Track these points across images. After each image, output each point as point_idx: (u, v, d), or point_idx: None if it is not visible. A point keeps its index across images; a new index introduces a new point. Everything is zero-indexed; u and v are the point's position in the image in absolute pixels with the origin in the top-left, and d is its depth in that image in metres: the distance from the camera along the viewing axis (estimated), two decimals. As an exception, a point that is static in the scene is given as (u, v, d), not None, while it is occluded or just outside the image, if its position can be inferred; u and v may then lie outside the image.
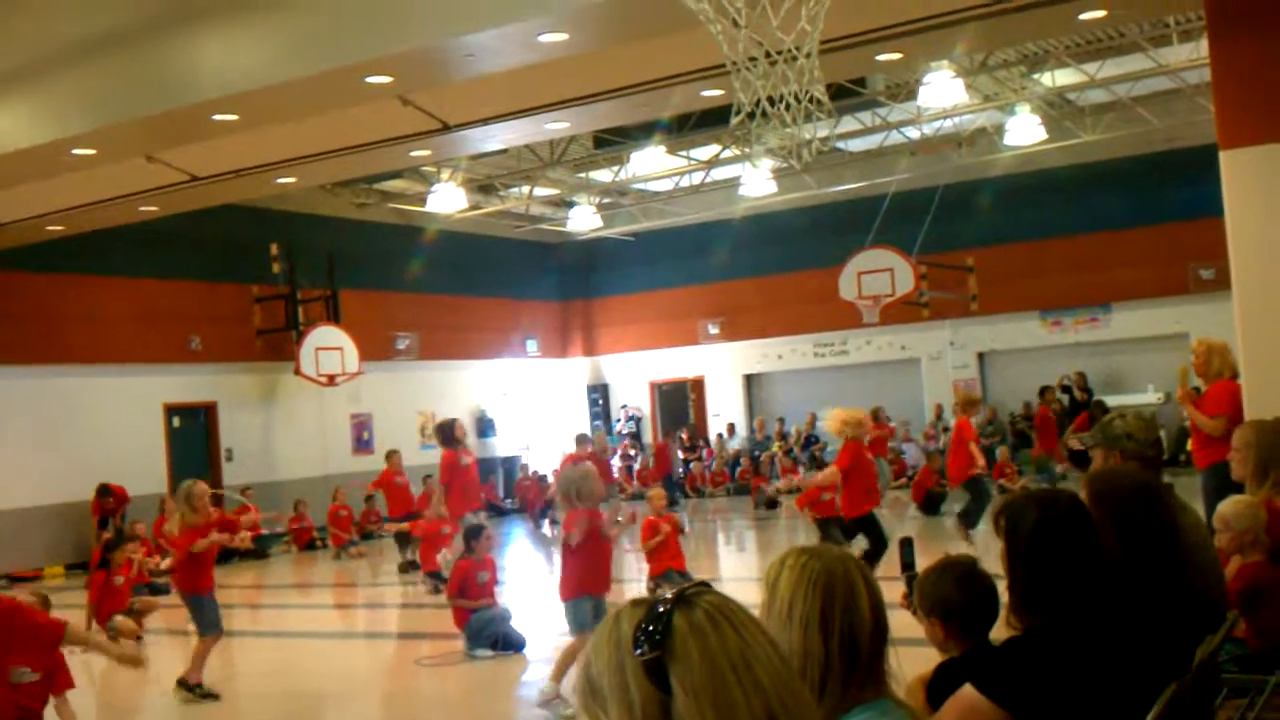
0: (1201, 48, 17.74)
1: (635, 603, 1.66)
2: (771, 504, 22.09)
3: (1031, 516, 3.26)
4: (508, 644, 10.36)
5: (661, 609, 1.61)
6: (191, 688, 9.20)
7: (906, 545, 3.87)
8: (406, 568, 16.32)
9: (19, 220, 16.35)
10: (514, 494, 26.18)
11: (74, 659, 7.26)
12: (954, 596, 3.52)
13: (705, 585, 1.68)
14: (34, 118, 12.43)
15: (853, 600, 2.33)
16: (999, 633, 3.43)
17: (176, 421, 21.19)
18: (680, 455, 26.41)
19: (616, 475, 24.48)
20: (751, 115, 6.67)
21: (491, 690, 9.52)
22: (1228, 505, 5.34)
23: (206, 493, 9.42)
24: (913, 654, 2.49)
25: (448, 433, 14.14)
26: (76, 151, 12.81)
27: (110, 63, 11.65)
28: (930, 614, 3.54)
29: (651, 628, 1.59)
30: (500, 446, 27.06)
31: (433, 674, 10.23)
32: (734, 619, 1.62)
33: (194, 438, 21.44)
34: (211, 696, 9.22)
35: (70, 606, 12.17)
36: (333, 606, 15.81)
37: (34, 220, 16.48)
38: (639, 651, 1.58)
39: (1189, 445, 11.44)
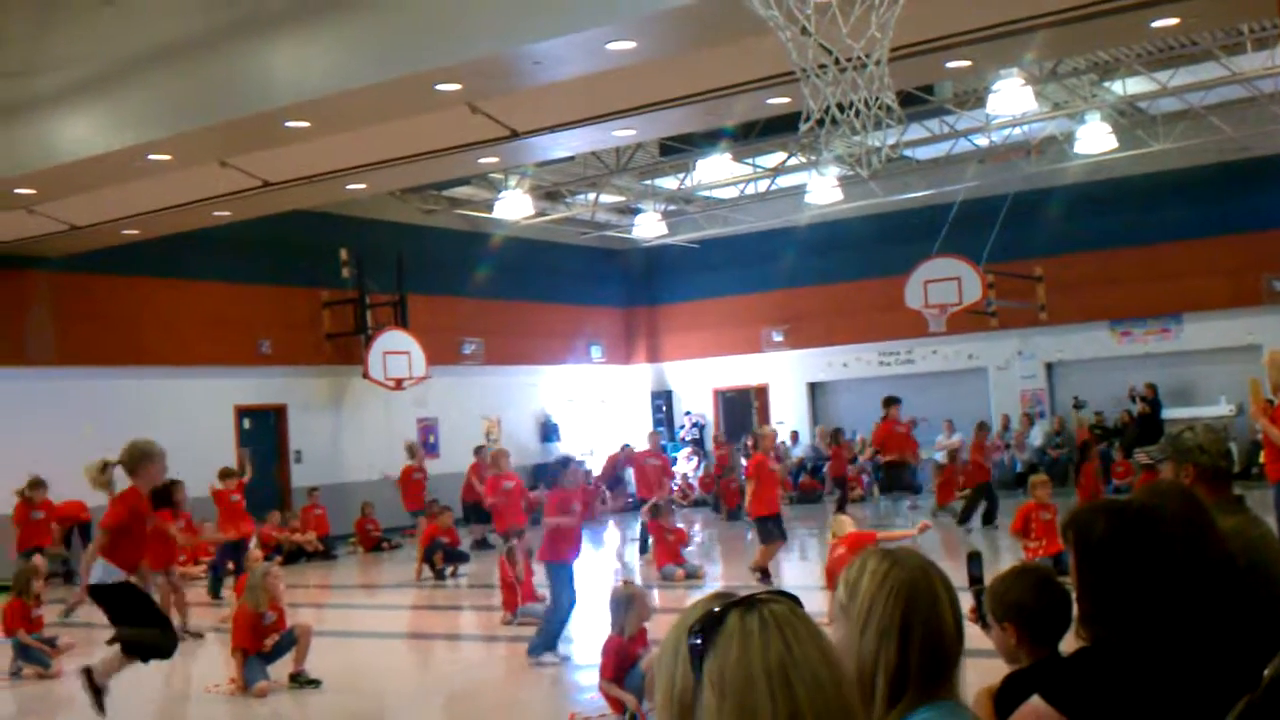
0: (1276, 56, 17.52)
1: (720, 594, 1.73)
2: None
3: (1100, 525, 3.23)
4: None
5: (727, 604, 1.68)
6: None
7: (975, 559, 3.84)
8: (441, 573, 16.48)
9: (96, 224, 16.66)
10: (578, 499, 26.19)
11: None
12: (1029, 602, 3.50)
13: (782, 594, 1.71)
14: (111, 124, 12.69)
15: (934, 610, 2.31)
16: (1067, 644, 3.41)
17: (247, 423, 21.50)
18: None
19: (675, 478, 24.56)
20: (820, 122, 6.67)
21: (557, 693, 9.55)
22: (1297, 521, 5.26)
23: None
24: (976, 665, 2.47)
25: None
26: (152, 157, 13.06)
27: (185, 70, 11.87)
28: (1004, 619, 3.51)
29: (707, 617, 1.66)
30: (565, 452, 27.08)
31: (498, 677, 10.28)
32: (787, 629, 1.64)
33: (264, 439, 21.72)
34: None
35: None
36: (401, 608, 15.93)
37: (110, 224, 16.80)
38: (690, 637, 1.66)
39: (1261, 458, 11.27)
